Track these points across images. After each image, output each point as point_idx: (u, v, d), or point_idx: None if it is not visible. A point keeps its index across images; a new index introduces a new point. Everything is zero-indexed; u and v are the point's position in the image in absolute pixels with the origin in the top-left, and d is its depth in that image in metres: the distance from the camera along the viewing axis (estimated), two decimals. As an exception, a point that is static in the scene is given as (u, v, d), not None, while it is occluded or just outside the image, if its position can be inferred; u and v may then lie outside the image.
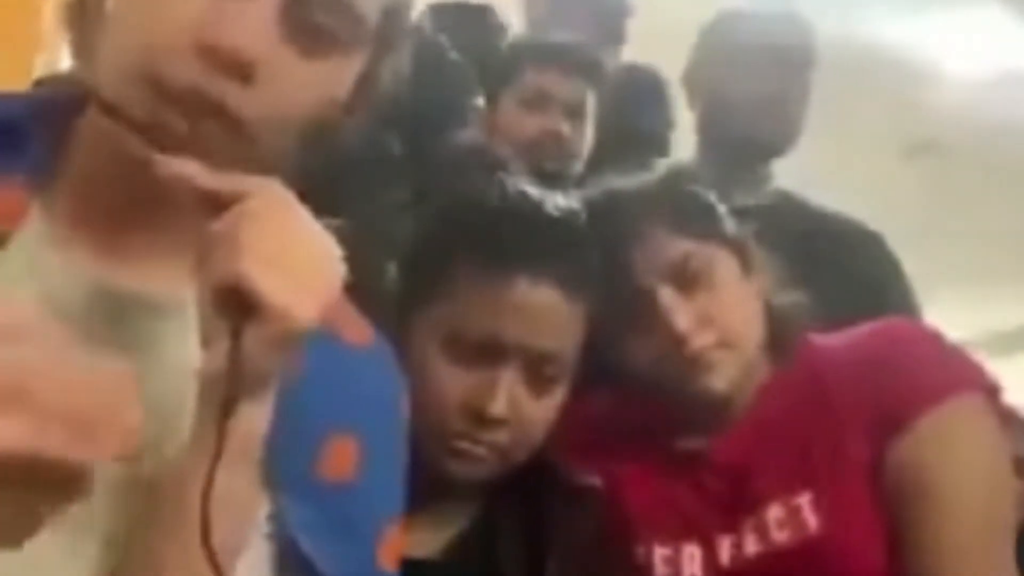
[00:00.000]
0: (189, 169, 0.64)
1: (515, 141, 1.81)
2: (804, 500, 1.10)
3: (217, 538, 0.61)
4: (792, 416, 1.15)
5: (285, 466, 0.71)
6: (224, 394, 0.63)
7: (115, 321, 0.71)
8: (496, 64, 1.95)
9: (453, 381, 1.04)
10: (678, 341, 1.12)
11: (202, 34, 0.64)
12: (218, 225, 0.64)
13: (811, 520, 1.09)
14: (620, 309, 1.13)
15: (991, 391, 1.12)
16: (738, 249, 1.19)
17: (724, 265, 1.17)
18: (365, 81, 0.74)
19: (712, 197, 1.22)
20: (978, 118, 4.35)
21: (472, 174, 1.17)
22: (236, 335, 0.63)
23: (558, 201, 1.11)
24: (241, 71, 0.65)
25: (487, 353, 1.04)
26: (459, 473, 1.05)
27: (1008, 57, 4.22)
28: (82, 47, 0.73)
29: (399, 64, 0.78)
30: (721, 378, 1.13)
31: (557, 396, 1.08)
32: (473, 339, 1.04)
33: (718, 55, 1.77)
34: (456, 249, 1.07)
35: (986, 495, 1.07)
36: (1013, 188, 4.46)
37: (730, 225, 1.21)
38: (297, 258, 0.63)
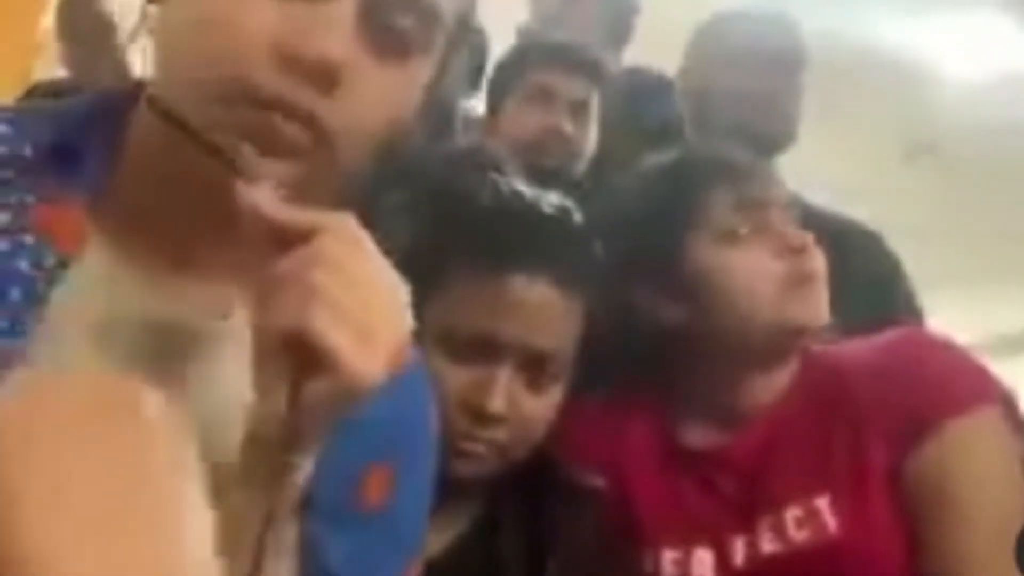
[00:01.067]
0: (263, 199, 0.61)
1: (517, 138, 1.80)
2: (823, 502, 1.11)
3: None
4: (811, 418, 1.15)
5: (324, 496, 0.69)
6: (281, 451, 0.60)
7: (162, 352, 0.68)
8: (500, 69, 1.95)
9: (451, 380, 1.04)
10: (794, 252, 1.15)
11: (282, 44, 0.61)
12: (287, 264, 0.59)
13: (831, 522, 1.09)
14: (720, 217, 1.17)
15: (1008, 402, 1.13)
16: None
17: None
18: (433, 82, 0.72)
19: None
20: (979, 120, 4.35)
21: (467, 174, 1.17)
22: (296, 387, 0.59)
23: (553, 200, 1.12)
24: (326, 78, 0.62)
25: (484, 351, 1.04)
26: (460, 472, 1.05)
27: (1008, 60, 4.22)
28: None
29: (460, 64, 0.76)
30: (826, 308, 1.15)
31: (556, 394, 1.08)
32: (470, 337, 1.04)
33: (711, 55, 1.78)
34: (452, 248, 1.08)
35: (1004, 505, 1.08)
36: (1014, 190, 4.46)
37: None
38: (369, 310, 0.59)
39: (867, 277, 1.59)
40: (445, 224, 1.13)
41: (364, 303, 0.59)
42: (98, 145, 0.70)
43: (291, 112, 0.62)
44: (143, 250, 0.69)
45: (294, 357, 0.58)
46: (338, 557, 0.71)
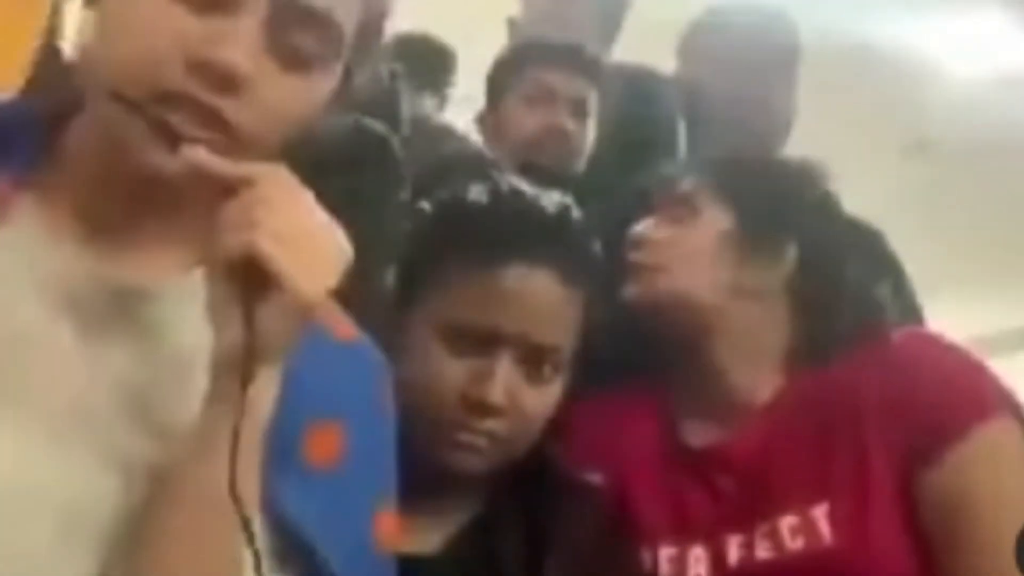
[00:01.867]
0: (201, 156, 0.68)
1: (517, 138, 1.80)
2: (820, 511, 1.10)
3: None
4: (812, 424, 1.14)
5: (273, 451, 0.72)
6: (243, 359, 0.66)
7: (111, 310, 0.74)
8: (499, 67, 1.95)
9: (451, 371, 1.05)
10: (630, 241, 1.23)
11: (193, 52, 0.68)
12: (230, 206, 0.67)
13: (826, 532, 1.08)
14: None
15: (1016, 408, 1.12)
16: (746, 227, 1.22)
17: (712, 218, 1.22)
18: (342, 80, 0.78)
19: (776, 181, 1.30)
20: (977, 119, 4.35)
21: (467, 174, 1.18)
22: (249, 305, 0.66)
23: (553, 197, 1.12)
24: (230, 82, 0.69)
25: (484, 344, 1.05)
26: (459, 465, 1.06)
27: (1008, 59, 4.22)
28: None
29: (377, 66, 0.81)
30: (634, 289, 1.22)
31: (556, 388, 1.09)
32: (470, 329, 1.05)
33: (703, 52, 1.76)
34: (451, 243, 1.09)
35: (1021, 518, 1.05)
36: (1011, 189, 4.46)
37: (757, 204, 1.24)
38: (307, 237, 0.68)
39: (868, 277, 1.58)
40: (444, 220, 1.13)
41: (301, 231, 0.68)
42: (34, 130, 0.78)
43: (196, 109, 0.69)
44: (85, 222, 0.76)
45: (244, 283, 0.66)
46: (292, 505, 0.75)
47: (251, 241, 0.65)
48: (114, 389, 0.72)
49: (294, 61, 0.72)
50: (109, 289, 0.74)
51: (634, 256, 1.24)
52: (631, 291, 1.22)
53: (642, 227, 1.25)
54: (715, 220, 1.23)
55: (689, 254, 1.22)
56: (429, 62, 2.16)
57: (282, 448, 0.74)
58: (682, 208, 1.24)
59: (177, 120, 0.69)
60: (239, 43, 0.69)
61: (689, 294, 1.20)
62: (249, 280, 0.66)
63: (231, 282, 0.67)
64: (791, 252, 1.22)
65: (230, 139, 0.70)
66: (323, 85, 0.76)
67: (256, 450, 0.70)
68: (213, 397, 0.69)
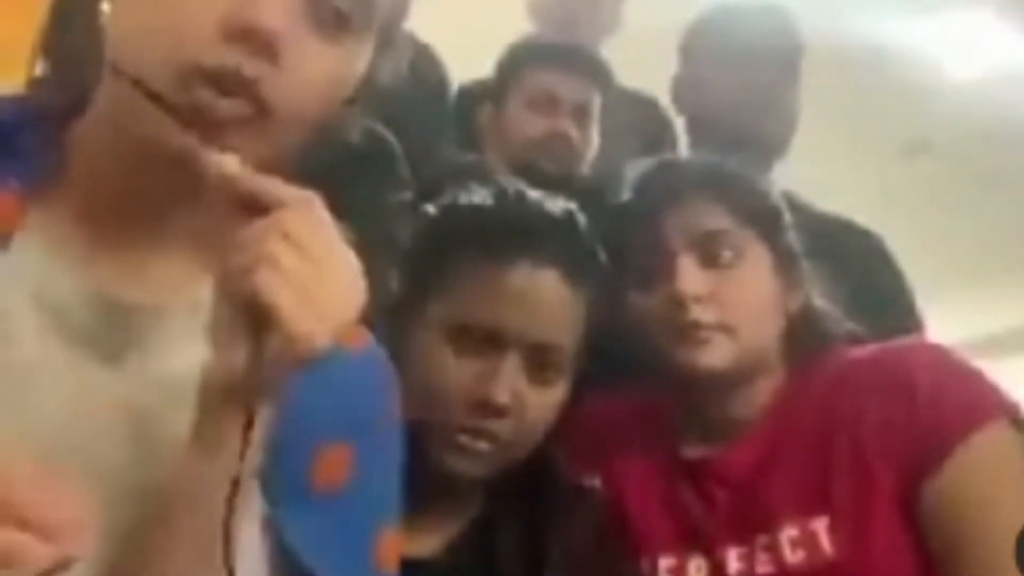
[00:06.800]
0: (232, 167, 0.65)
1: (520, 142, 1.80)
2: (820, 524, 1.09)
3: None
4: (811, 436, 1.14)
5: (279, 473, 0.71)
6: (247, 403, 0.63)
7: (110, 327, 0.71)
8: (502, 66, 1.95)
9: (456, 372, 1.05)
10: (679, 305, 1.13)
11: (228, 17, 0.65)
12: (249, 231, 0.63)
13: (827, 545, 1.08)
14: (639, 260, 1.15)
15: (1015, 412, 1.11)
16: (780, 253, 1.19)
17: (756, 257, 1.17)
18: (367, 72, 0.75)
19: (773, 194, 1.24)
20: (976, 120, 4.35)
21: (471, 178, 1.18)
22: (258, 342, 0.63)
23: (558, 202, 1.13)
24: (269, 50, 0.65)
25: (489, 344, 1.05)
26: (459, 468, 1.05)
27: (1007, 59, 4.22)
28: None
29: (398, 59, 0.79)
30: (710, 357, 1.13)
31: (559, 390, 1.08)
32: (475, 329, 1.05)
33: (704, 56, 1.74)
34: (455, 240, 1.09)
35: (1017, 523, 1.04)
36: (1010, 189, 4.46)
37: (782, 227, 1.21)
38: (320, 280, 0.63)
39: (867, 280, 1.58)
40: (449, 220, 1.13)
41: (313, 274, 0.63)
42: (40, 133, 0.73)
43: (234, 83, 0.65)
44: (89, 235, 0.72)
45: (249, 317, 0.63)
46: (293, 530, 0.73)
47: (257, 282, 0.61)
48: (110, 412, 0.70)
49: (333, 26, 0.69)
50: (115, 309, 0.71)
51: (687, 317, 1.12)
52: (699, 359, 1.12)
53: (683, 281, 1.13)
54: (758, 257, 1.17)
55: (754, 309, 1.15)
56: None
57: (288, 470, 0.72)
58: (717, 245, 1.15)
59: (209, 97, 0.65)
60: (274, 6, 0.65)
61: (759, 351, 1.16)
62: (255, 315, 0.62)
63: (238, 312, 0.63)
64: (804, 263, 1.21)
65: (265, 118, 0.66)
66: (357, 58, 0.73)
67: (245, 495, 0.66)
68: (201, 434, 0.65)
